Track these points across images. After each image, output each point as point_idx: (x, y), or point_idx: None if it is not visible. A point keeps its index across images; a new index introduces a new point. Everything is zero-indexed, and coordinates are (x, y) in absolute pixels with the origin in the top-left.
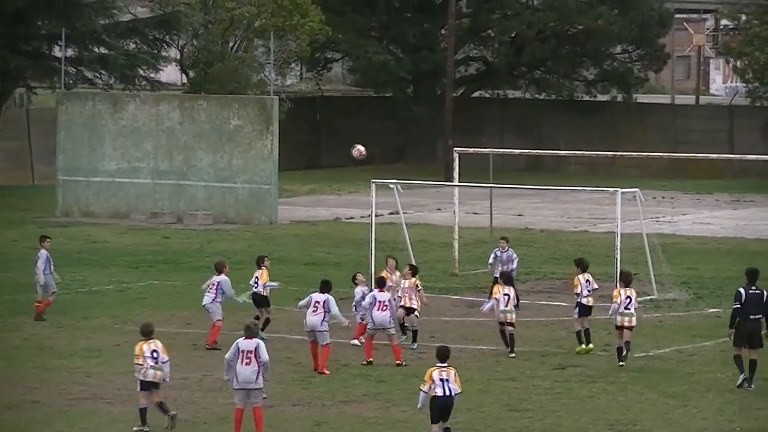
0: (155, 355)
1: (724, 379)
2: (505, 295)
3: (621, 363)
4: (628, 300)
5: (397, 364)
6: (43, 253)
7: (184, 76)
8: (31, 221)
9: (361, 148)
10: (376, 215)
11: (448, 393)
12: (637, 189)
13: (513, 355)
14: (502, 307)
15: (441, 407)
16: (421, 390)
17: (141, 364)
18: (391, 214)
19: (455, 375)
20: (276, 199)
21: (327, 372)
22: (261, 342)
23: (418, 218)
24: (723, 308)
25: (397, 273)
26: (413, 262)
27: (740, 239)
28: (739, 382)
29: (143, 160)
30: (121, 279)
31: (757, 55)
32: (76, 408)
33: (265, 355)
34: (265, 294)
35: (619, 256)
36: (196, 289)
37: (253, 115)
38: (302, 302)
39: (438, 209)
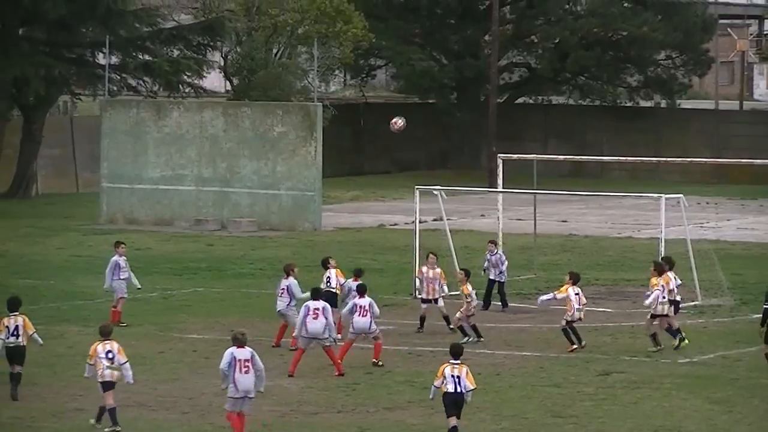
0: (110, 355)
1: None
2: (576, 294)
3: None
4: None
5: (375, 363)
6: (113, 259)
7: (227, 83)
8: (75, 229)
9: (400, 122)
10: (420, 221)
11: (459, 390)
12: (681, 195)
13: (584, 344)
14: (574, 305)
15: (452, 402)
16: (434, 385)
17: (92, 365)
18: (435, 220)
19: (467, 372)
20: (320, 206)
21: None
22: (253, 351)
23: (462, 224)
24: None
25: (437, 269)
26: (457, 269)
27: None
28: None
29: (187, 167)
30: (165, 286)
31: None
32: (120, 415)
33: (260, 363)
34: (337, 292)
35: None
36: (240, 297)
37: (297, 122)
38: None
39: (482, 215)
